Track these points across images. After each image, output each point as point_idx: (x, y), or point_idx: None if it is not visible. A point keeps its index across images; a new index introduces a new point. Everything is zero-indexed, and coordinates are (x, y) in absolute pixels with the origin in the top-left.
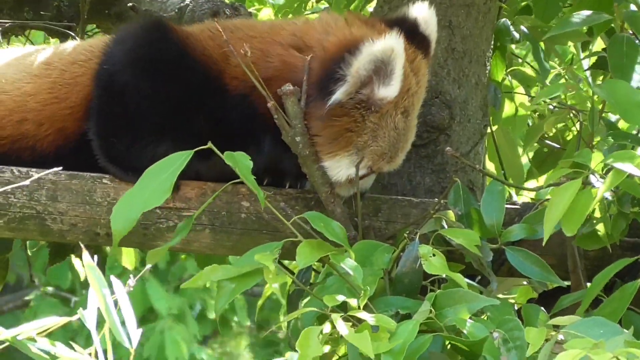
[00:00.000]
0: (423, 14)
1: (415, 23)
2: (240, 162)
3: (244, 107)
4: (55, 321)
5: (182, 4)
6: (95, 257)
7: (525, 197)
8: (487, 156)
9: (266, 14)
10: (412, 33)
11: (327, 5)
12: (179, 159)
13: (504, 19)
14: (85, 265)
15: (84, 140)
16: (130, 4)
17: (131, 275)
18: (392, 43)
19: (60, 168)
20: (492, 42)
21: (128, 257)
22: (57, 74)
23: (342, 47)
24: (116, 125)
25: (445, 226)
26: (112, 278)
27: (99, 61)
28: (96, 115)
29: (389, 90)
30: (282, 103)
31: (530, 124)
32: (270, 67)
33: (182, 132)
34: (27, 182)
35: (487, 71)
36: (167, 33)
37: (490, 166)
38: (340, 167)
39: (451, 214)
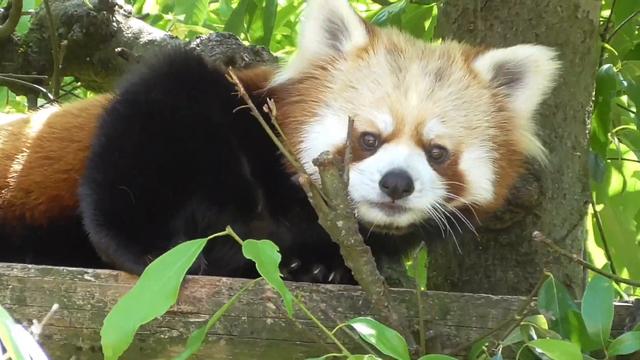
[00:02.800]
0: None
1: None
2: (264, 254)
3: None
4: None
5: (186, 48)
6: None
7: None
8: (590, 241)
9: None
10: None
11: None
12: (188, 250)
13: (607, 65)
14: None
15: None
16: (118, 49)
17: (34, 321)
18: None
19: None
20: (594, 94)
21: None
22: (44, 129)
23: None
24: (130, 168)
25: (535, 336)
26: (11, 325)
27: (111, 99)
28: (99, 159)
29: (355, 39)
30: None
31: None
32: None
33: (219, 173)
34: None
35: (587, 131)
36: (201, 58)
37: (596, 254)
38: (320, 134)
39: (542, 319)
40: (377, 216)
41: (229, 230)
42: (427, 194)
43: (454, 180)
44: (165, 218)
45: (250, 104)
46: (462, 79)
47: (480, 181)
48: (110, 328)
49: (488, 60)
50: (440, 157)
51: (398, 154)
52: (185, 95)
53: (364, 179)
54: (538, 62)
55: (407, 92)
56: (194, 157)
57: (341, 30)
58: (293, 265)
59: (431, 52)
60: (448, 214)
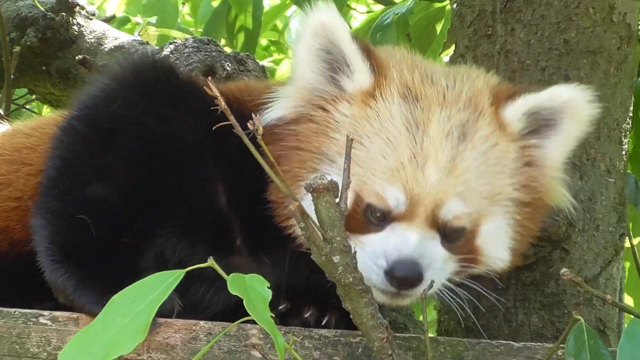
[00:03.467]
0: None
1: None
2: (252, 290)
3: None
4: None
5: (156, 55)
6: None
7: None
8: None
9: (287, 66)
10: None
11: None
12: (162, 282)
13: None
14: None
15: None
16: (79, 57)
17: None
18: (316, 19)
19: None
20: (631, 109)
21: None
22: None
23: None
24: (90, 195)
25: None
26: None
27: (68, 115)
28: (54, 184)
29: (359, 81)
30: None
31: None
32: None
33: (191, 202)
34: None
35: (623, 152)
36: (173, 67)
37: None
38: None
39: None
40: (378, 297)
41: (211, 261)
42: (438, 276)
43: (469, 254)
44: (130, 253)
45: (233, 121)
46: (490, 136)
47: (497, 252)
48: None
49: (520, 107)
50: (456, 237)
51: (409, 241)
52: (153, 110)
53: (368, 261)
54: (576, 107)
55: (425, 165)
56: (163, 182)
57: (341, 64)
58: (281, 307)
59: (455, 97)
60: (457, 286)
